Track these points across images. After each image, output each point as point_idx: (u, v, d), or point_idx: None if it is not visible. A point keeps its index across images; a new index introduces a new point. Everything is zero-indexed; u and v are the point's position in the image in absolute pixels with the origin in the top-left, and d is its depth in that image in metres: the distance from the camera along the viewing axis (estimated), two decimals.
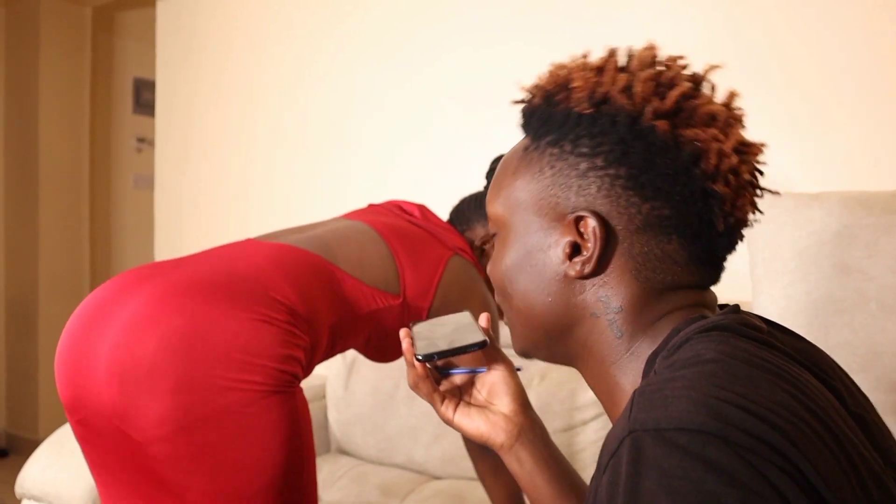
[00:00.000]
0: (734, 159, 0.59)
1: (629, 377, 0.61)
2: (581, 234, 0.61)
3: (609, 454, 0.48)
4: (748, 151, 0.61)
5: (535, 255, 0.64)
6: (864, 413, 0.57)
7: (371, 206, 1.42)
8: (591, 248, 0.60)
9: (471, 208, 1.44)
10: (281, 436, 0.98)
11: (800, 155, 1.75)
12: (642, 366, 0.60)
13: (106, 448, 1.01)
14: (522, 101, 0.68)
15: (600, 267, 0.61)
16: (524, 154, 0.65)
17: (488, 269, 0.72)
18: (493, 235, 0.71)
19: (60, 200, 3.73)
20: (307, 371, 1.09)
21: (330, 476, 1.89)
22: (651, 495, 0.43)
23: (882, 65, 1.66)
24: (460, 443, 1.81)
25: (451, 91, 2.23)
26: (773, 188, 0.65)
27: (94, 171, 3.93)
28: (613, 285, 0.61)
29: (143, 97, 4.05)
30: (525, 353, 0.71)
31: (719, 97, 0.63)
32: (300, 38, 2.58)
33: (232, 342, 0.96)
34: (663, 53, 0.64)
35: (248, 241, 1.19)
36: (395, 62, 2.37)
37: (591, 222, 0.59)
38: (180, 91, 2.93)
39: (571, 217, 0.61)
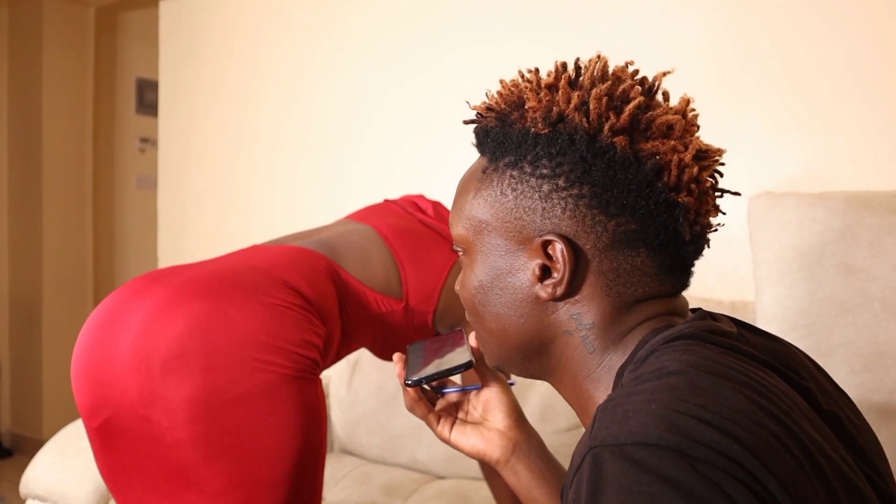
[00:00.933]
0: (695, 169, 0.59)
1: (602, 390, 0.62)
2: (550, 257, 0.61)
3: (573, 471, 0.48)
4: (707, 158, 0.61)
5: (503, 277, 0.64)
6: (837, 410, 0.58)
7: (386, 201, 1.42)
8: (561, 270, 0.60)
9: None
10: (302, 424, 1.00)
11: (803, 155, 1.75)
12: (613, 379, 0.60)
13: (125, 448, 1.02)
14: (474, 121, 0.68)
15: (572, 288, 0.61)
16: (483, 175, 0.65)
17: (456, 288, 0.72)
18: (460, 257, 0.70)
19: (64, 201, 3.74)
20: (324, 363, 1.10)
21: (333, 476, 1.89)
22: None
23: (885, 65, 1.65)
24: None
25: (452, 91, 2.23)
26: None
27: (98, 171, 3.94)
28: (585, 303, 0.61)
29: (146, 97, 4.05)
30: (499, 368, 0.72)
31: (673, 102, 0.63)
32: (302, 38, 2.59)
33: (256, 325, 0.99)
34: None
35: (255, 246, 1.22)
36: (396, 62, 2.37)
37: (559, 246, 0.59)
38: (183, 91, 2.93)
39: (539, 241, 0.61)
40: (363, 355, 2.05)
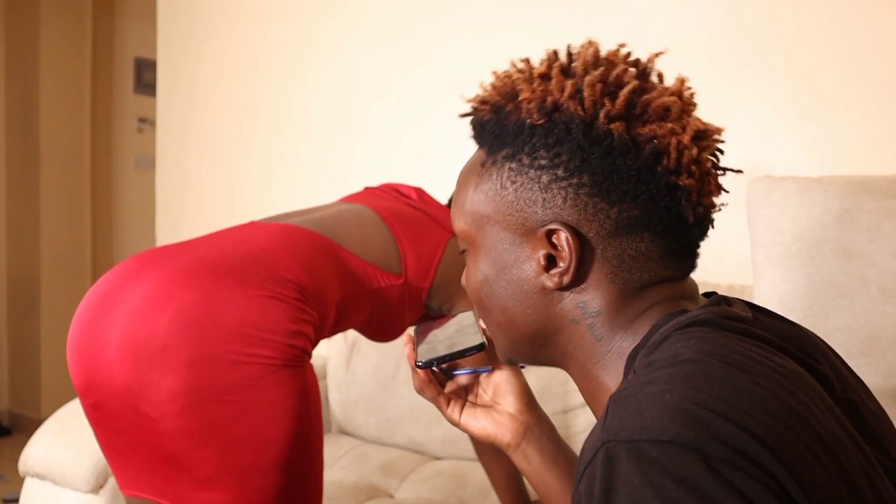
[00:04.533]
0: (694, 150, 0.58)
1: (612, 376, 0.61)
2: (555, 247, 0.60)
3: (584, 463, 0.48)
4: (707, 138, 0.60)
5: (509, 270, 0.63)
6: (854, 397, 0.57)
7: (368, 189, 1.43)
8: (567, 258, 0.59)
9: None
10: (291, 411, 1.00)
11: (802, 139, 1.75)
12: (624, 364, 0.59)
13: (118, 430, 1.04)
14: (469, 115, 0.67)
15: (578, 276, 0.60)
16: (482, 169, 0.64)
17: (462, 283, 0.71)
18: (463, 251, 0.70)
19: (62, 181, 3.72)
20: (315, 344, 1.11)
21: (331, 456, 1.90)
22: None
23: (884, 50, 1.65)
24: None
25: (453, 79, 2.21)
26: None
27: (95, 151, 3.92)
28: (591, 291, 0.61)
29: (145, 77, 4.03)
30: (510, 362, 0.71)
31: (669, 82, 0.62)
32: (304, 19, 2.57)
33: (242, 318, 0.99)
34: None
35: (252, 223, 1.22)
36: (399, 47, 2.35)
37: (564, 234, 0.59)
38: (182, 71, 2.92)
39: (543, 231, 0.60)
40: (361, 336, 2.06)
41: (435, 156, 2.27)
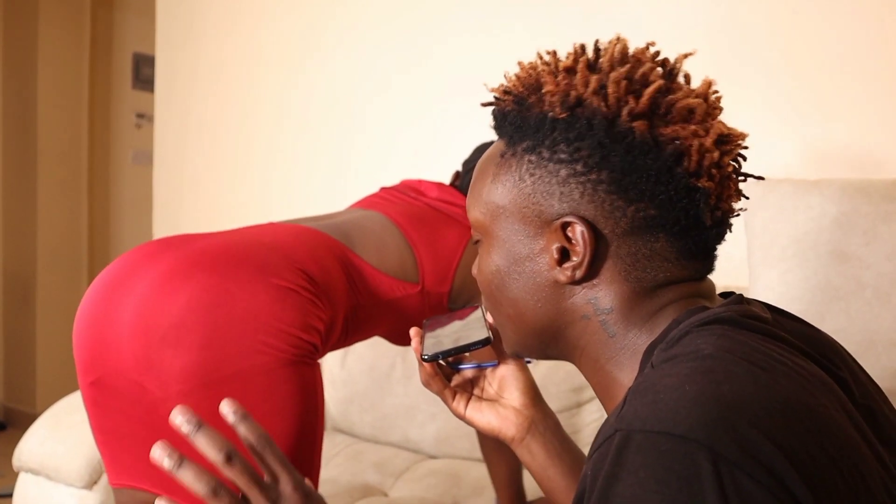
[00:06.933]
0: (716, 154, 0.58)
1: (626, 372, 0.61)
2: (569, 240, 0.60)
3: (596, 447, 0.48)
4: (729, 142, 0.60)
5: (522, 262, 0.63)
6: (871, 404, 0.56)
7: (383, 189, 1.40)
8: (580, 252, 0.59)
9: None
10: (299, 407, 1.00)
11: (799, 142, 1.75)
12: (639, 359, 0.59)
13: (117, 410, 1.02)
14: (492, 104, 0.66)
15: (591, 271, 0.60)
16: (501, 160, 0.64)
17: (473, 272, 0.72)
18: (477, 242, 0.70)
19: (59, 176, 3.72)
20: (325, 347, 1.10)
21: (326, 453, 1.90)
22: (620, 501, 0.43)
23: (883, 53, 1.65)
24: (455, 422, 1.82)
25: (455, 76, 2.22)
26: (757, 174, 0.64)
27: (93, 146, 3.92)
28: (603, 287, 0.60)
29: (143, 72, 4.02)
30: (517, 355, 0.71)
31: (695, 84, 0.62)
32: (304, 16, 2.56)
33: (260, 305, 0.98)
34: (634, 43, 0.63)
35: (270, 223, 1.22)
36: (400, 45, 2.35)
37: (579, 227, 0.59)
38: (180, 67, 2.91)
39: (558, 223, 0.60)
40: None
41: (433, 154, 2.27)
